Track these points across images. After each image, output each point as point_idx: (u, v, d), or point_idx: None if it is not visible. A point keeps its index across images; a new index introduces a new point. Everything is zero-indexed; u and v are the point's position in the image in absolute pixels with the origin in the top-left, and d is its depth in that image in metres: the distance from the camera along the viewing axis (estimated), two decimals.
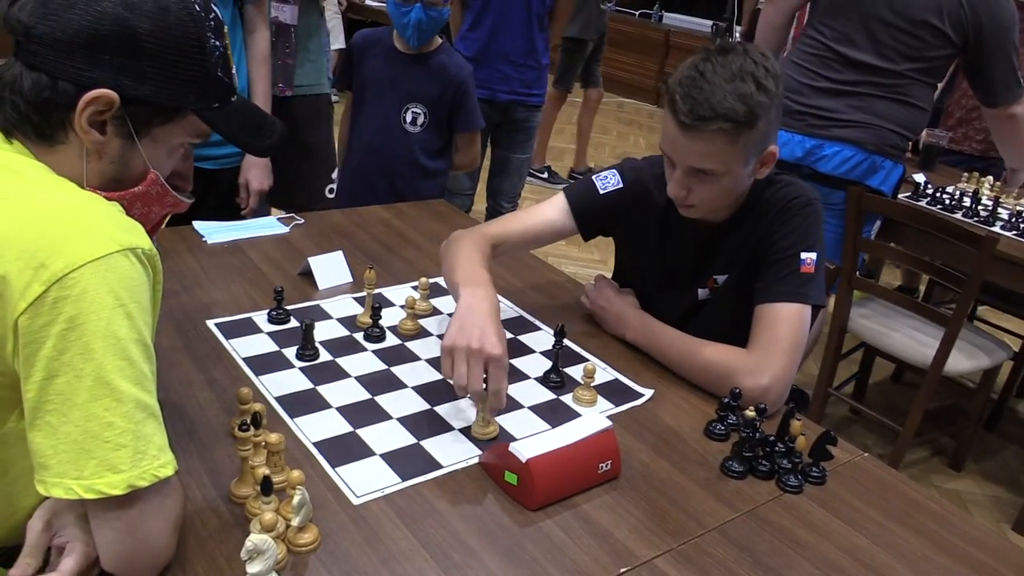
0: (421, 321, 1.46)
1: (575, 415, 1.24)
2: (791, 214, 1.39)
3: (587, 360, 1.40)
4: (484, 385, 1.12)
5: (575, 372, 1.35)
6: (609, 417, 1.18)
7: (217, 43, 0.91)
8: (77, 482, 0.76)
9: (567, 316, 1.55)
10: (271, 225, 1.81)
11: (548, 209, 1.51)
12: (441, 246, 1.47)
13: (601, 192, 1.50)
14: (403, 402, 1.23)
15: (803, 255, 1.35)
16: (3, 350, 0.78)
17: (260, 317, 1.42)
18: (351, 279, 1.60)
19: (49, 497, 0.78)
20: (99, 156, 0.88)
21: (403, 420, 1.19)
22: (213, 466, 1.04)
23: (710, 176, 1.29)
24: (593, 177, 1.52)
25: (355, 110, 2.21)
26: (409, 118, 2.14)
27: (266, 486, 0.91)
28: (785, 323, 1.31)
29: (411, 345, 1.39)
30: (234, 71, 0.97)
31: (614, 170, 1.52)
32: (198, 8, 0.89)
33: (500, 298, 1.39)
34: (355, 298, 1.54)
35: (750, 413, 1.15)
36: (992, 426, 3.00)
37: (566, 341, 1.37)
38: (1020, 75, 2.29)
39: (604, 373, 1.37)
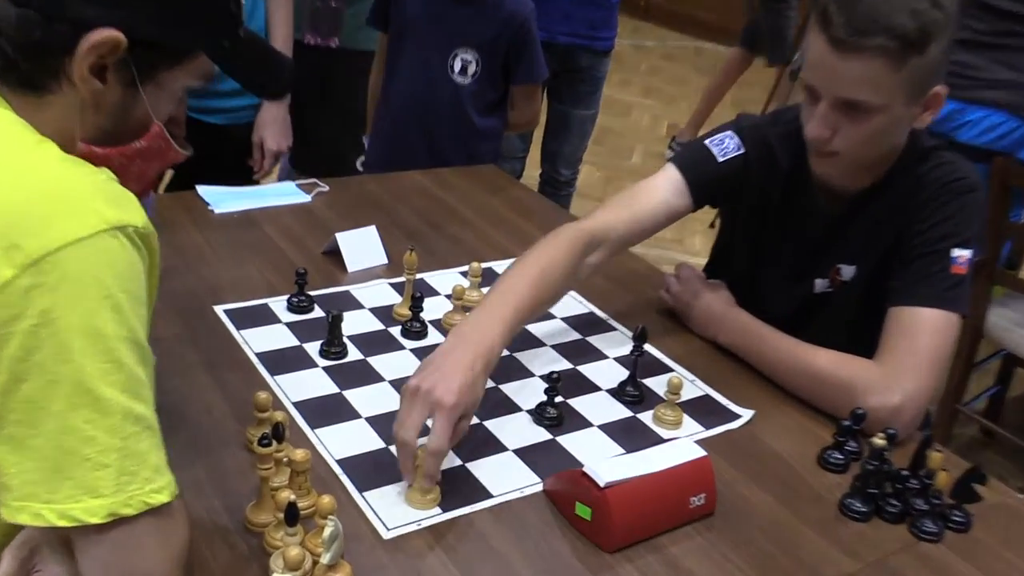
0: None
1: (657, 438, 1.23)
2: (948, 199, 1.35)
3: (671, 370, 1.38)
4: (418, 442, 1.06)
5: (656, 384, 1.33)
6: (700, 442, 1.16)
7: None
8: (48, 506, 0.74)
9: (646, 313, 1.53)
10: (290, 193, 1.82)
11: (659, 186, 1.46)
12: None
13: (720, 159, 1.46)
14: None
15: (955, 252, 1.32)
16: None
17: (278, 304, 1.43)
18: (386, 260, 1.60)
19: (25, 528, 0.78)
20: (96, 108, 0.87)
21: None
22: (224, 485, 1.05)
23: (862, 113, 1.26)
24: (706, 141, 1.49)
25: (392, 57, 2.19)
26: (458, 66, 2.11)
27: (291, 514, 0.90)
28: (927, 332, 1.28)
29: None
30: (240, 4, 0.97)
31: (730, 132, 1.49)
32: None
33: (572, 295, 1.39)
34: (391, 284, 1.54)
35: (878, 440, 1.12)
36: None
37: (647, 346, 1.35)
38: None
39: (692, 387, 1.35)
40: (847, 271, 1.45)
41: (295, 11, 2.17)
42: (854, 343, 1.33)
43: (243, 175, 2.14)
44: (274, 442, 0.98)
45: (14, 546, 0.85)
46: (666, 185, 1.46)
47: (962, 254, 1.32)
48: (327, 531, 0.90)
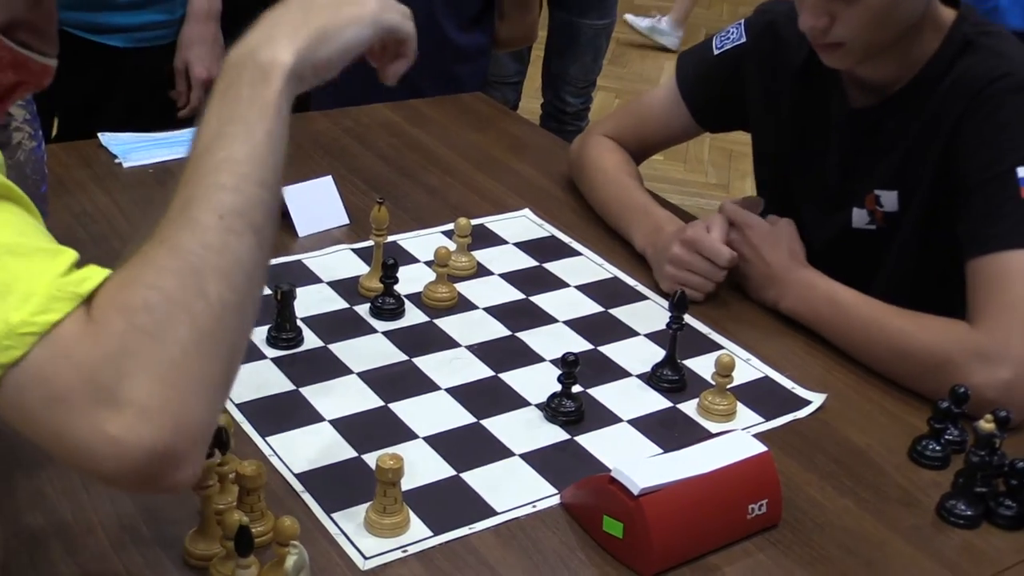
0: (459, 286, 1.48)
1: (704, 433, 1.25)
2: (996, 104, 1.39)
3: (720, 347, 1.41)
4: None
5: (701, 366, 1.36)
6: (759, 436, 1.18)
7: None
8: None
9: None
10: None
11: (655, 97, 1.60)
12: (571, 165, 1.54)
13: (716, 51, 1.57)
14: (434, 412, 1.25)
15: (1021, 171, 1.35)
16: None
17: None
18: (347, 220, 1.62)
19: None
20: None
21: (434, 440, 1.21)
22: (153, 508, 1.07)
23: None
24: (714, 36, 1.60)
25: None
26: None
27: (243, 541, 0.92)
28: (1019, 280, 1.31)
29: (443, 323, 1.41)
30: None
31: (741, 22, 1.60)
32: None
33: (591, 256, 1.51)
34: (354, 250, 1.56)
35: (986, 425, 1.14)
36: None
37: (687, 317, 1.37)
38: None
39: (747, 368, 1.37)
40: (888, 199, 1.50)
41: None
42: (918, 296, 1.38)
43: (157, 116, 2.13)
44: (217, 452, 1.00)
45: None
46: (662, 95, 1.60)
47: None
48: (289, 561, 0.93)
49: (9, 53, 0.97)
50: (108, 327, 0.71)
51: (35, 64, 1.00)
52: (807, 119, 1.54)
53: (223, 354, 0.75)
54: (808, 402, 1.32)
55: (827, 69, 1.47)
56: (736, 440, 1.13)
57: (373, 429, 1.22)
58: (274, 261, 1.48)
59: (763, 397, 1.33)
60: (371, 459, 1.16)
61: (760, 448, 1.11)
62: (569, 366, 1.25)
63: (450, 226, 1.58)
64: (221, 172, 0.79)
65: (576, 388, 1.27)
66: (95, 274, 0.74)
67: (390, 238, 1.54)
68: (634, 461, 1.09)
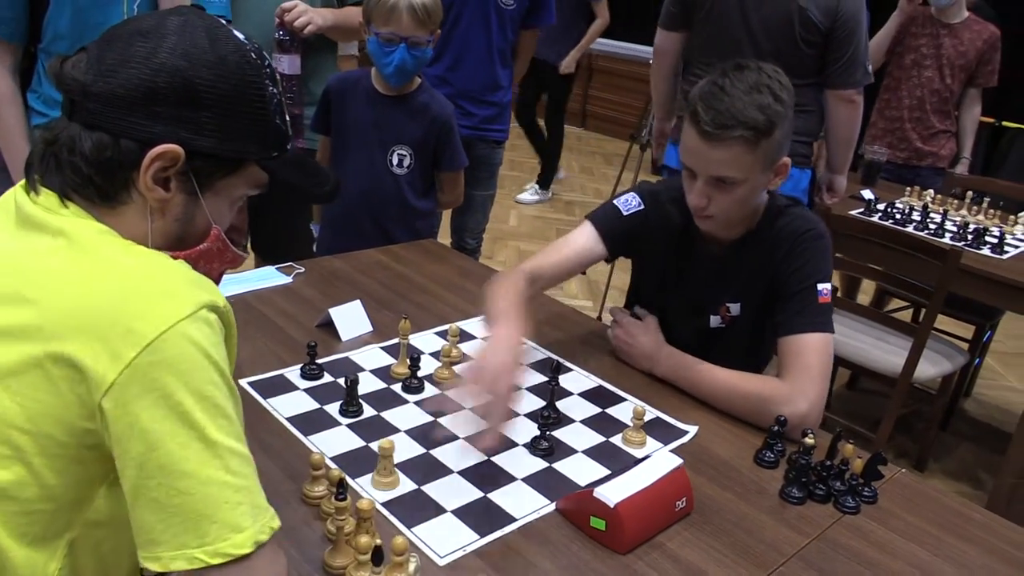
0: (455, 367, 1.47)
1: (630, 457, 1.27)
2: (805, 246, 1.46)
3: (625, 399, 1.43)
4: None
5: (619, 412, 1.38)
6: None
7: (274, 90, 0.91)
8: (200, 550, 0.75)
9: (588, 353, 1.58)
10: (272, 276, 1.79)
11: (578, 237, 1.57)
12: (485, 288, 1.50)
13: (624, 214, 1.57)
14: (459, 455, 1.23)
15: (820, 286, 1.43)
16: (91, 423, 0.77)
17: (292, 373, 1.40)
18: (371, 328, 1.59)
19: None
20: (163, 214, 0.87)
21: (465, 473, 1.19)
22: (295, 536, 1.03)
23: (729, 185, 1.37)
24: (614, 201, 1.60)
25: (336, 156, 2.19)
26: (395, 160, 2.14)
27: (378, 556, 0.90)
28: (812, 352, 1.38)
29: (450, 394, 1.39)
30: (288, 118, 0.97)
31: (632, 193, 1.60)
32: (254, 56, 0.89)
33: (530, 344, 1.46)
34: (382, 348, 1.53)
35: (808, 440, 1.20)
36: (945, 426, 3.18)
37: (608, 385, 1.39)
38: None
39: (647, 413, 1.38)
40: (734, 308, 1.55)
41: None
42: (746, 366, 1.43)
43: None
44: (343, 493, 0.98)
45: None
46: (584, 235, 1.57)
47: (825, 287, 1.43)
48: (411, 566, 0.91)
49: (231, 252, 0.95)
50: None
51: (240, 257, 0.97)
52: (682, 261, 1.57)
53: None
54: (687, 432, 1.35)
55: (694, 229, 1.50)
56: (662, 458, 1.14)
57: (422, 467, 1.20)
58: (329, 358, 1.47)
59: (660, 431, 1.35)
60: (428, 488, 1.15)
61: (678, 462, 1.14)
62: (544, 419, 1.27)
63: (438, 328, 1.58)
64: None
65: (548, 432, 1.28)
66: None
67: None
68: (606, 484, 1.09)
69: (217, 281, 0.99)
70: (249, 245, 2.42)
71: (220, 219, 0.93)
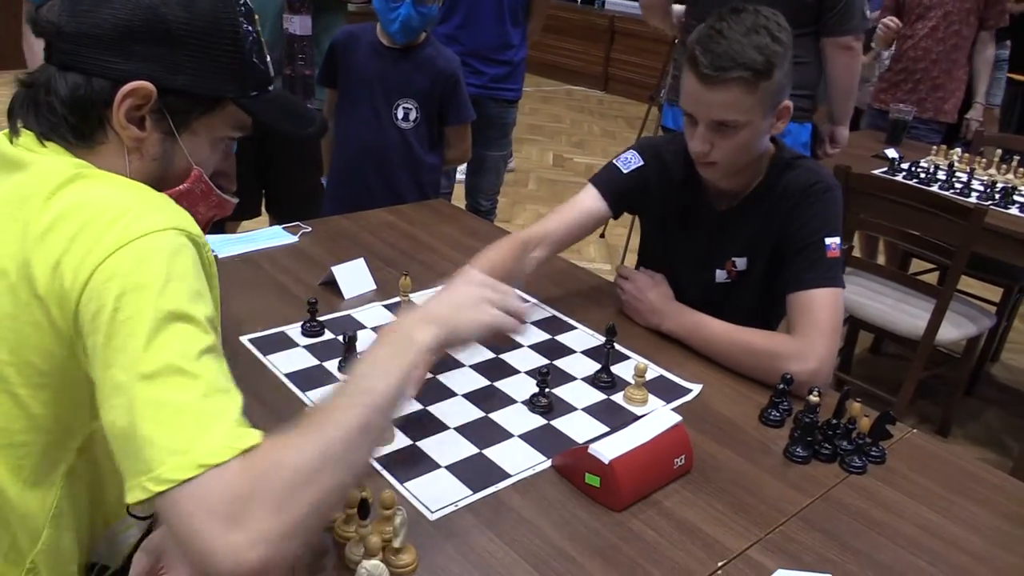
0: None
1: (631, 415, 1.25)
2: (813, 199, 1.42)
3: (628, 357, 1.40)
4: None
5: (621, 371, 1.35)
6: None
7: (250, 28, 0.90)
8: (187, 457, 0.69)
9: (593, 311, 1.55)
10: (278, 235, 1.77)
11: (583, 199, 1.55)
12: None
13: (625, 172, 1.55)
14: (457, 411, 1.22)
15: (828, 240, 1.39)
16: (66, 349, 0.77)
17: (293, 330, 1.39)
18: (375, 286, 1.57)
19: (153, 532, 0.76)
20: (140, 154, 0.87)
21: (461, 430, 1.18)
22: None
23: (731, 129, 1.34)
24: (614, 160, 1.58)
25: (341, 109, 2.17)
26: (400, 114, 2.11)
27: (364, 509, 0.89)
28: (822, 307, 1.34)
29: (452, 351, 1.37)
30: (268, 58, 0.95)
31: (632, 150, 1.58)
32: None
33: (529, 297, 1.47)
34: (384, 305, 1.52)
35: (813, 398, 1.16)
36: (970, 391, 3.11)
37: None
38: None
39: (650, 370, 1.36)
40: (741, 262, 1.52)
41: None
42: (754, 322, 1.39)
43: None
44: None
45: (144, 549, 0.82)
46: (587, 197, 1.55)
47: (833, 241, 1.39)
48: (397, 519, 0.90)
49: (215, 196, 0.93)
50: (252, 476, 0.68)
51: (227, 202, 0.96)
52: (685, 215, 1.54)
53: (325, 511, 0.73)
54: (691, 390, 1.32)
55: (698, 181, 1.48)
56: (661, 415, 1.12)
57: (420, 423, 1.18)
58: (332, 315, 1.45)
59: (663, 389, 1.32)
60: (423, 444, 1.13)
61: (677, 419, 1.11)
62: (543, 375, 1.25)
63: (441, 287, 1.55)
64: (365, 395, 0.77)
65: (547, 389, 1.25)
66: (254, 437, 0.71)
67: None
68: (600, 440, 1.06)
69: (204, 228, 0.98)
70: (263, 206, 2.41)
71: (201, 160, 0.92)
